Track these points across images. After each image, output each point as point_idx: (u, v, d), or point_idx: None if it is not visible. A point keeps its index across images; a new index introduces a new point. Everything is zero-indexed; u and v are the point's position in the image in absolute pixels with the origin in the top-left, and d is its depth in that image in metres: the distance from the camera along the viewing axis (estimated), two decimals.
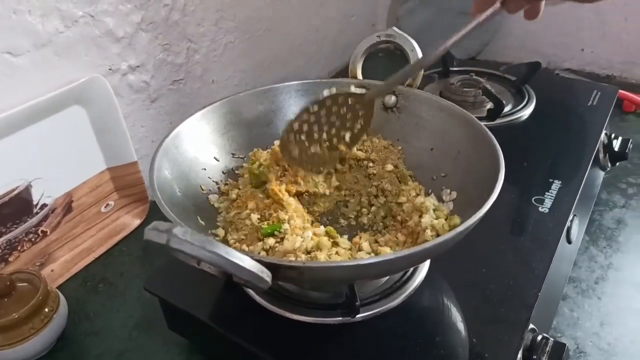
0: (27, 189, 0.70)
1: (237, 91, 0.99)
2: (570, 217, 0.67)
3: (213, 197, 0.64)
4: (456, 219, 0.56)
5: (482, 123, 0.61)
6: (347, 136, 0.63)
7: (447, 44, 0.56)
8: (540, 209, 0.68)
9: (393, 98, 0.72)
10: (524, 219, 0.67)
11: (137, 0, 0.77)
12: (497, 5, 0.50)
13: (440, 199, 0.62)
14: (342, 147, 0.63)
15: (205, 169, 0.64)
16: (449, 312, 0.56)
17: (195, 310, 0.57)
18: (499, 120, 0.88)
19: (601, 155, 0.85)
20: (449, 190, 0.62)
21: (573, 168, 0.75)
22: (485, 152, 0.57)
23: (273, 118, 0.72)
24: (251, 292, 0.58)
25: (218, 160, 0.67)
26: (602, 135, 0.85)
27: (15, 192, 0.69)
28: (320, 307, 0.56)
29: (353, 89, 0.62)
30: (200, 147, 0.64)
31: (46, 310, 0.62)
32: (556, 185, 0.72)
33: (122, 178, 0.81)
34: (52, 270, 0.74)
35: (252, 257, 0.40)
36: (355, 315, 0.54)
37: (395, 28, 0.73)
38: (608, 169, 0.90)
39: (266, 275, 0.41)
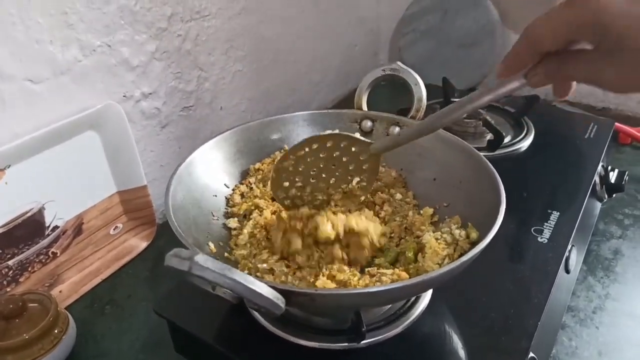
0: (40, 212, 0.72)
1: (244, 118, 1.04)
2: (569, 247, 0.69)
3: (232, 221, 0.65)
4: (473, 233, 0.57)
5: (482, 154, 0.63)
6: (355, 181, 0.62)
7: (457, 113, 0.53)
8: (539, 239, 0.70)
9: (397, 129, 0.74)
10: (523, 249, 0.69)
11: (152, 31, 0.80)
12: (522, 80, 0.46)
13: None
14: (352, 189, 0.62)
15: (216, 196, 0.66)
16: (450, 339, 0.57)
17: (203, 333, 0.58)
18: (498, 151, 0.90)
19: (598, 187, 0.87)
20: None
21: (571, 199, 0.77)
22: (486, 183, 0.59)
23: (281, 146, 0.75)
24: (257, 316, 0.60)
25: (228, 187, 0.69)
26: (599, 167, 0.87)
27: (29, 214, 0.71)
28: (326, 332, 0.57)
29: (358, 136, 0.62)
30: (211, 174, 0.67)
31: (56, 331, 0.63)
32: (555, 216, 0.74)
33: (131, 201, 0.83)
34: (60, 291, 0.76)
35: (267, 284, 0.42)
36: (361, 341, 0.55)
37: (399, 63, 0.75)
38: (605, 200, 0.92)
39: (280, 301, 0.43)
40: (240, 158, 0.71)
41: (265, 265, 0.57)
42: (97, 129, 0.76)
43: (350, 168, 0.61)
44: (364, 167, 0.61)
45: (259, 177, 0.70)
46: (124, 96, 0.80)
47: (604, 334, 0.69)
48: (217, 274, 0.39)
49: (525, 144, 0.94)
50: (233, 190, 0.69)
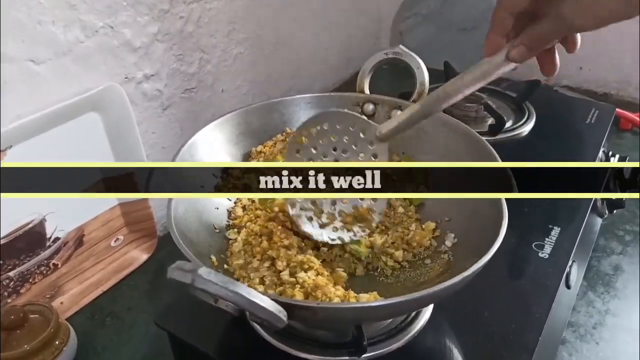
0: (41, 223, 0.71)
1: (246, 100, 1.02)
2: (570, 263, 0.68)
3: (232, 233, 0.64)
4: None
5: (484, 138, 0.63)
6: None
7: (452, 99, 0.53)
8: (540, 254, 0.69)
9: (399, 113, 0.72)
10: (525, 264, 0.68)
11: (154, 12, 0.77)
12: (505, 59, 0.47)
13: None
14: None
15: (217, 208, 0.65)
16: (451, 354, 0.57)
17: (204, 346, 0.58)
18: (500, 136, 0.90)
19: (599, 204, 0.87)
20: (452, 235, 0.62)
21: (572, 215, 0.76)
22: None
23: (282, 129, 0.74)
24: (259, 328, 0.59)
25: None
26: (600, 153, 0.87)
27: (30, 225, 0.69)
28: (327, 345, 0.57)
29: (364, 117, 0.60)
30: (214, 156, 0.66)
31: (57, 342, 0.62)
32: (555, 231, 0.73)
33: (132, 213, 0.82)
34: (61, 303, 0.75)
35: (270, 297, 0.42)
36: (362, 354, 0.55)
37: (402, 46, 0.73)
38: (605, 216, 0.91)
39: (283, 314, 0.43)
40: (242, 140, 0.70)
41: (257, 273, 0.56)
42: (99, 110, 0.74)
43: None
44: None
45: (261, 159, 0.69)
46: (125, 78, 0.77)
47: (604, 349, 0.69)
48: (219, 287, 0.39)
49: (526, 129, 0.93)
50: (235, 203, 0.67)
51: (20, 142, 0.66)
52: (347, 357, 0.56)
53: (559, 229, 0.73)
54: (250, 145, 0.71)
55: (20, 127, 0.65)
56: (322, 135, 0.60)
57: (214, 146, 0.66)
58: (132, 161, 0.79)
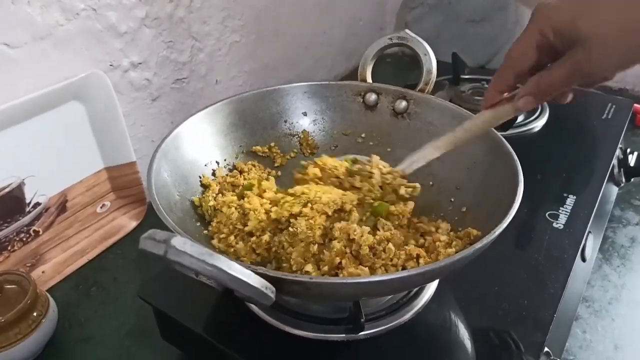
0: (20, 187, 0.68)
1: (241, 92, 0.98)
2: (586, 234, 0.64)
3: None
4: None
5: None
6: None
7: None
8: (554, 224, 0.66)
9: (404, 103, 0.69)
10: (538, 235, 0.65)
11: None
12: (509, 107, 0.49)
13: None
14: None
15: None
16: (458, 332, 0.53)
17: (190, 321, 0.54)
18: (510, 131, 0.86)
19: (616, 170, 0.83)
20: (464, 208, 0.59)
21: (588, 182, 0.73)
22: (502, 164, 0.54)
23: (278, 120, 0.71)
24: (250, 303, 0.55)
25: (219, 164, 0.64)
26: (618, 149, 0.83)
27: (7, 189, 0.66)
28: (322, 321, 0.53)
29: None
30: (201, 148, 0.62)
31: (34, 314, 0.59)
32: (571, 200, 0.70)
33: (120, 178, 0.79)
34: (43, 272, 0.72)
35: (255, 272, 0.38)
36: (360, 332, 0.51)
37: (407, 30, 0.70)
38: (622, 184, 0.87)
39: (270, 291, 0.38)
40: (234, 131, 0.67)
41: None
42: (82, 99, 0.71)
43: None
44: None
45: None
46: (110, 65, 0.74)
47: (620, 326, 0.65)
48: (195, 259, 0.34)
49: (539, 124, 0.90)
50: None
51: None
52: (343, 335, 0.52)
53: (574, 197, 0.70)
54: (242, 137, 0.67)
55: None
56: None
57: (201, 138, 0.62)
58: (118, 155, 0.76)
